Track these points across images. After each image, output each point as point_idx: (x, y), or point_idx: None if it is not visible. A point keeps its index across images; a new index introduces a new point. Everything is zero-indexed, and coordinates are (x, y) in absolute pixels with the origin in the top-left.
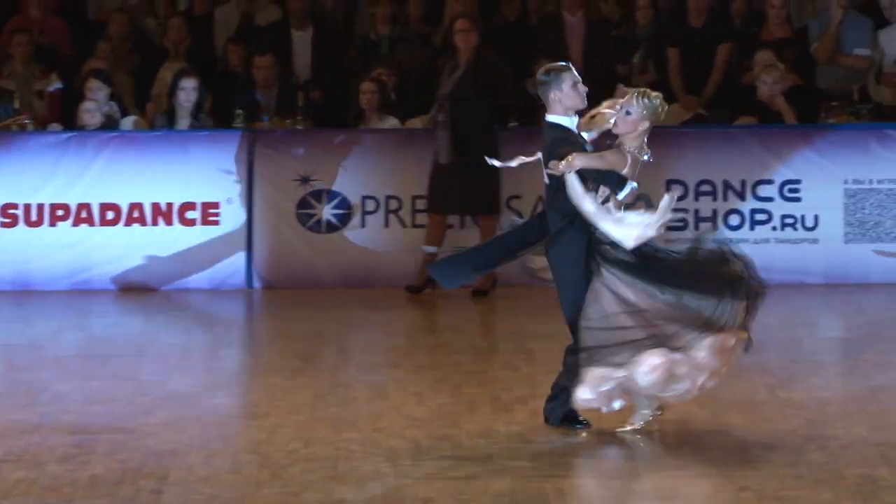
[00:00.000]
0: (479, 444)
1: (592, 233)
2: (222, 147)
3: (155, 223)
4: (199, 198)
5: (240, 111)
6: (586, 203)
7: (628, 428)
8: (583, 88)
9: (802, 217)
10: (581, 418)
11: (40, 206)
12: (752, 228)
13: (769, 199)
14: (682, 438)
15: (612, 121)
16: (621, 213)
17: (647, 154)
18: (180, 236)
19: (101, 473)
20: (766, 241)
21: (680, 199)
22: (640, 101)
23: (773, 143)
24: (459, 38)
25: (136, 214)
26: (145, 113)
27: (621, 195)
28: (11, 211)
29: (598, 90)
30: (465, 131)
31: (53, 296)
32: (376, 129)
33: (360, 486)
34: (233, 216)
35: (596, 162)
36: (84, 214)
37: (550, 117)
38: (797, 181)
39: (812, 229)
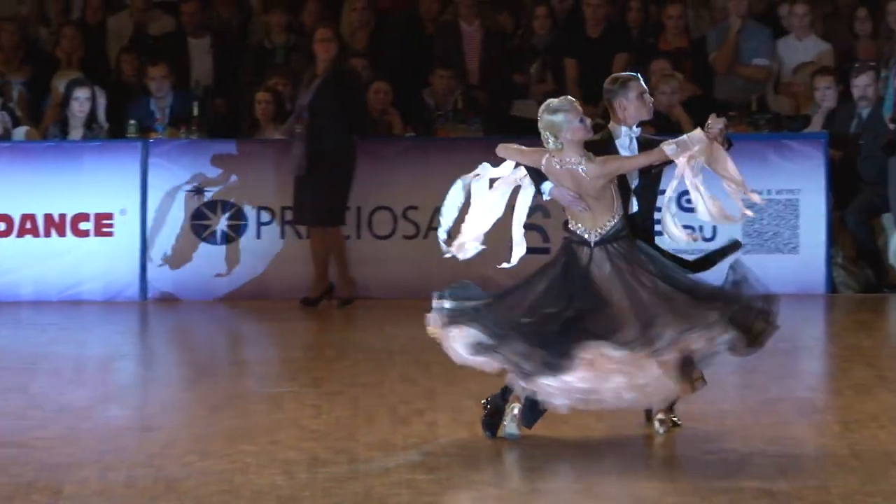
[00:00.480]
0: (376, 457)
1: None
2: (116, 157)
3: (48, 234)
4: (92, 209)
5: (133, 121)
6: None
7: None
8: (649, 99)
9: (700, 228)
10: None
11: None
12: None
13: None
14: (580, 451)
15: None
16: None
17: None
18: (73, 247)
19: None
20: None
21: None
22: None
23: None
24: (319, 47)
25: (28, 226)
26: (39, 123)
27: None
28: None
29: (497, 99)
30: (321, 143)
31: None
32: (271, 140)
33: (255, 500)
34: (127, 227)
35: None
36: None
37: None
38: None
39: (710, 240)
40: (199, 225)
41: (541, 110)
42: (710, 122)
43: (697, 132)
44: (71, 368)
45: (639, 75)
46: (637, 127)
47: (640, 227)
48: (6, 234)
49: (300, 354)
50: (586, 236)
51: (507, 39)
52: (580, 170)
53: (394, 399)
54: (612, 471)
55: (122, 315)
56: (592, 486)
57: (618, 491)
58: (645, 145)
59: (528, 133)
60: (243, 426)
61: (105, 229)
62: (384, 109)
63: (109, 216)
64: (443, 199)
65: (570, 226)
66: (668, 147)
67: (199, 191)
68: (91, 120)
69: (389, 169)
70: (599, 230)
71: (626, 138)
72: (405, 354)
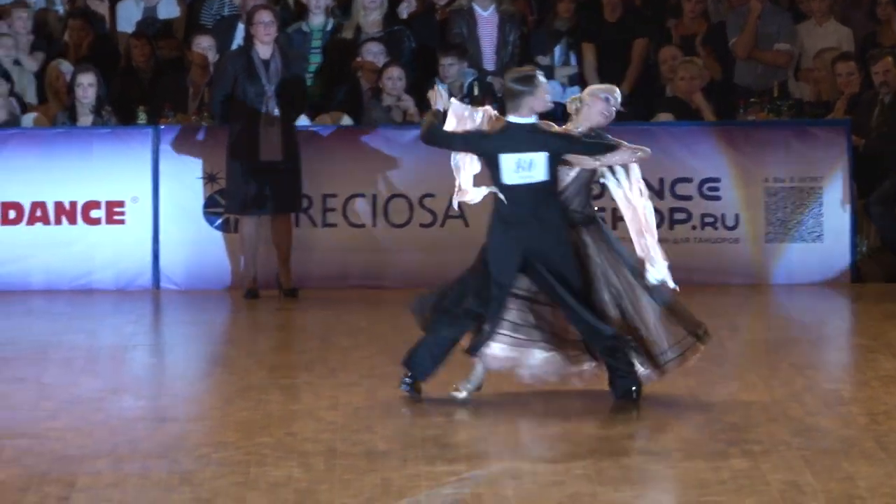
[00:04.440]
0: (394, 449)
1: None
2: (127, 144)
3: (58, 222)
4: (103, 196)
5: (143, 107)
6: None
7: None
8: (548, 90)
9: (723, 216)
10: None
11: None
12: (671, 227)
13: (688, 198)
14: (599, 444)
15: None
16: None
17: None
18: (85, 236)
19: (5, 480)
20: (686, 240)
21: (596, 197)
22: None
23: (691, 141)
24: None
25: (38, 213)
26: (46, 110)
27: None
28: None
29: None
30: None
31: None
32: None
33: (272, 492)
34: (139, 215)
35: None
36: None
37: (519, 118)
38: (716, 179)
39: (733, 228)
40: (211, 213)
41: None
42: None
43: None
44: (83, 358)
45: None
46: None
47: None
48: (16, 221)
49: (315, 344)
50: None
51: (523, 23)
52: None
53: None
54: (636, 465)
55: (134, 304)
56: (613, 477)
57: (642, 488)
58: None
59: (546, 117)
60: (259, 417)
61: (117, 217)
62: (399, 96)
63: (121, 204)
64: None
65: None
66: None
67: (211, 178)
68: (100, 106)
69: (405, 157)
70: None
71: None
72: None
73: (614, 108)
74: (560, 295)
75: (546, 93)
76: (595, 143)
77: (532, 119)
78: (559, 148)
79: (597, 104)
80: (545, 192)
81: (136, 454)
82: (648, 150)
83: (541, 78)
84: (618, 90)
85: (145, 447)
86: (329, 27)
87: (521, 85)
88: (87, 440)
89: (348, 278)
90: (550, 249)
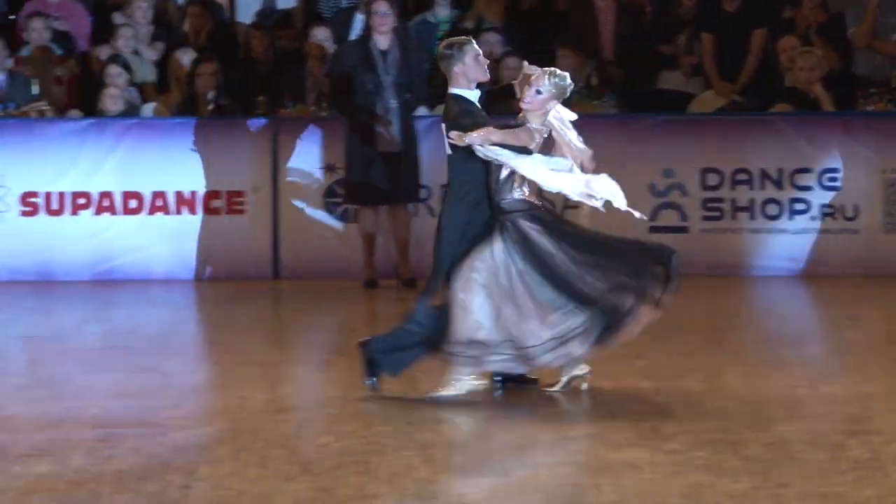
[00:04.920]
0: (513, 438)
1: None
2: (246, 134)
3: (179, 212)
4: (224, 186)
5: (262, 98)
6: (523, 161)
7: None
8: (484, 61)
9: (842, 207)
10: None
11: (61, 195)
12: (791, 218)
13: (808, 189)
14: (719, 435)
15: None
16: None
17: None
18: (205, 225)
19: (126, 468)
20: (806, 231)
21: (715, 187)
22: (551, 81)
23: (810, 131)
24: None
25: (159, 203)
26: (167, 100)
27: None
28: (32, 199)
29: (634, 74)
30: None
31: (75, 286)
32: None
33: (391, 481)
34: (259, 205)
35: (509, 138)
36: (106, 203)
37: (454, 90)
38: (836, 170)
39: (852, 219)
40: (331, 202)
41: (550, 74)
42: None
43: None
44: (203, 347)
45: (471, 38)
46: (476, 88)
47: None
48: (137, 211)
49: None
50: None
51: (642, 13)
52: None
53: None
54: (757, 456)
55: (253, 294)
56: (733, 468)
57: (762, 479)
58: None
59: (670, 106)
60: (379, 407)
61: (237, 207)
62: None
63: (241, 194)
64: None
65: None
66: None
67: (331, 168)
68: (219, 96)
69: None
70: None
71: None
72: None
73: (538, 91)
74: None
75: (476, 58)
76: (464, 121)
77: (468, 91)
78: (443, 119)
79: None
80: (450, 168)
81: (255, 443)
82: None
83: (471, 45)
84: (556, 76)
85: (265, 436)
86: (453, 17)
87: (447, 49)
88: (208, 429)
89: None
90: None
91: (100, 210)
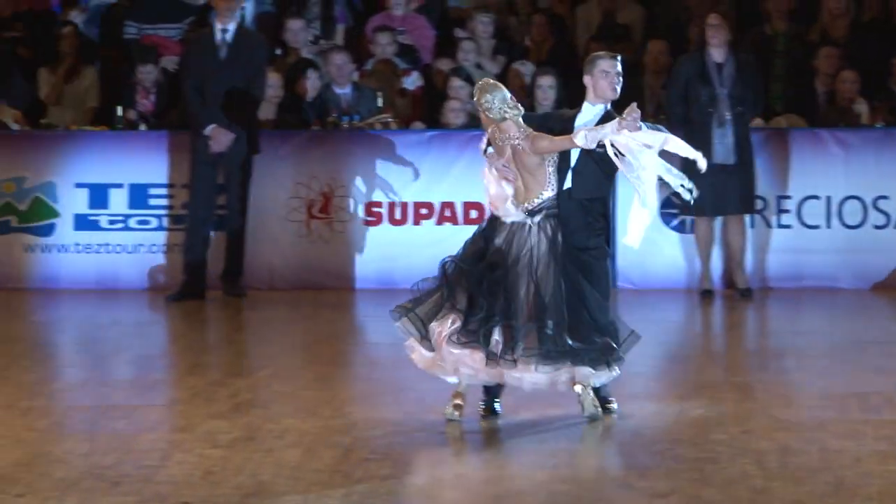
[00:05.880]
0: (848, 447)
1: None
2: None
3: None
4: None
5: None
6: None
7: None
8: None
9: None
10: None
11: (404, 205)
12: None
13: None
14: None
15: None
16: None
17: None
18: None
19: (468, 472)
20: None
21: None
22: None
23: None
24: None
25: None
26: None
27: None
28: (376, 209)
29: None
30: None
31: None
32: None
33: (726, 488)
34: None
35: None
36: (448, 213)
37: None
38: None
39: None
40: (667, 214)
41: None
42: (626, 111)
43: (609, 123)
44: None
45: (611, 55)
46: (605, 105)
47: (574, 205)
48: (478, 221)
49: (769, 343)
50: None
51: None
52: (517, 144)
53: (863, 386)
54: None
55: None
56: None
57: None
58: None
59: None
60: (714, 415)
61: None
62: (851, 98)
63: None
64: None
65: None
66: (579, 136)
67: None
68: (559, 108)
69: (854, 158)
70: (527, 204)
71: (582, 114)
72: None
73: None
74: None
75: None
76: None
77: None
78: None
79: None
80: None
81: (589, 449)
82: None
83: (602, 59)
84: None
85: (600, 443)
86: (790, 31)
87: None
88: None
89: (803, 279)
90: None
91: (441, 220)
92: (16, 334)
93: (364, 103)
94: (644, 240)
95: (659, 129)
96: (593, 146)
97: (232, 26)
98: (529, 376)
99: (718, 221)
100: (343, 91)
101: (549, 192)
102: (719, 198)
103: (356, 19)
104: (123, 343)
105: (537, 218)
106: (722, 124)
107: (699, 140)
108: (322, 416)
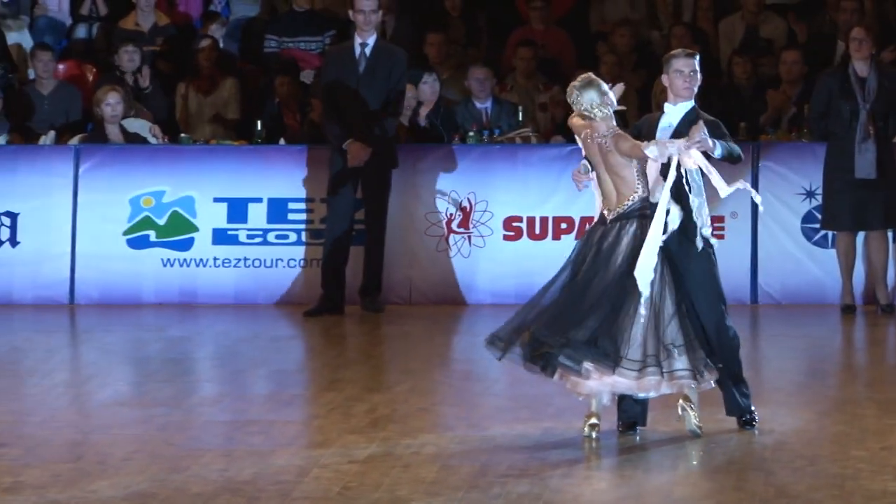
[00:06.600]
0: None
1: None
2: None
3: None
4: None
5: (743, 124)
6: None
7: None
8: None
9: None
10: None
11: (544, 220)
12: None
13: None
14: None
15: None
16: None
17: None
18: None
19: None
20: None
21: None
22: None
23: None
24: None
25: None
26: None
27: None
28: (515, 224)
29: None
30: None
31: None
32: None
33: None
34: (736, 230)
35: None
36: (587, 228)
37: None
38: None
39: None
40: (809, 228)
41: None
42: (692, 131)
43: (680, 140)
44: None
45: (687, 52)
46: (677, 104)
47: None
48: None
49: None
50: (605, 213)
51: None
52: (604, 143)
53: None
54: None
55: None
56: None
57: None
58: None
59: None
60: (854, 431)
61: (717, 232)
62: None
63: (721, 219)
64: None
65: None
66: (648, 147)
67: (810, 194)
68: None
69: None
70: (618, 208)
71: (666, 115)
72: None
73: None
74: None
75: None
76: None
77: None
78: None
79: None
80: None
81: (732, 465)
82: None
83: (675, 58)
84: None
85: (741, 459)
86: None
87: None
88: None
89: None
90: None
91: (581, 235)
92: (153, 349)
93: (505, 118)
94: (785, 255)
95: (732, 149)
96: (664, 160)
97: (371, 40)
98: (638, 383)
99: (860, 236)
100: (483, 105)
101: (639, 194)
102: (861, 213)
103: (492, 35)
104: (261, 358)
105: (620, 220)
106: (864, 139)
107: (842, 155)
108: (459, 431)
